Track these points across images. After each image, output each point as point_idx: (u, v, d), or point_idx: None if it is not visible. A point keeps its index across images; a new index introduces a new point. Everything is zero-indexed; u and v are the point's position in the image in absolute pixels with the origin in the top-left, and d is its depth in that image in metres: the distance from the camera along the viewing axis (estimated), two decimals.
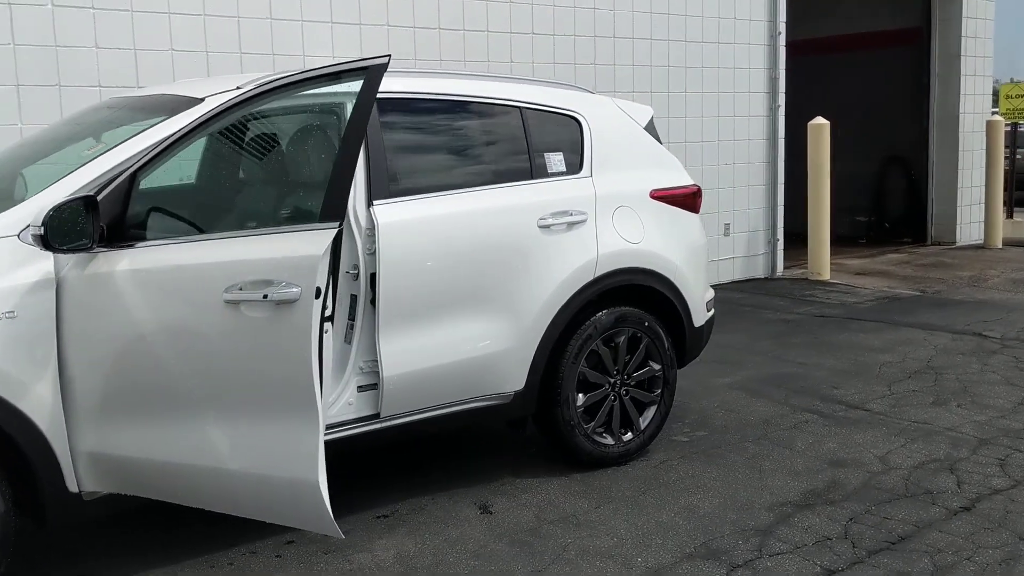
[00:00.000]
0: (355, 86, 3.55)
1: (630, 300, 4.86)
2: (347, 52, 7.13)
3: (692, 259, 5.07)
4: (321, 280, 3.28)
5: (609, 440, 4.79)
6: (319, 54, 7.01)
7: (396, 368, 4.08)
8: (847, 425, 5.38)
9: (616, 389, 4.79)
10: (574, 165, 4.75)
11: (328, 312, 3.54)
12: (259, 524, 3.78)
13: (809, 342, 7.29)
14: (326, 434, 3.96)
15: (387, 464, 4.84)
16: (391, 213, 4.08)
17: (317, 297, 3.25)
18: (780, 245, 10.23)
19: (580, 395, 4.68)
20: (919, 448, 5.00)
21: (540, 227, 4.48)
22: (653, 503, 4.36)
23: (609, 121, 4.95)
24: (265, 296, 3.29)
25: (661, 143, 5.20)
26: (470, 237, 4.28)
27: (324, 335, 3.55)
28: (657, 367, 4.92)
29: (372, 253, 4.03)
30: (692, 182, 5.22)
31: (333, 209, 3.36)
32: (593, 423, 4.73)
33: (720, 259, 9.73)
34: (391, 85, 4.26)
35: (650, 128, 5.14)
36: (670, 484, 4.58)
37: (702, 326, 5.15)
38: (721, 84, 9.53)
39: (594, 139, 4.82)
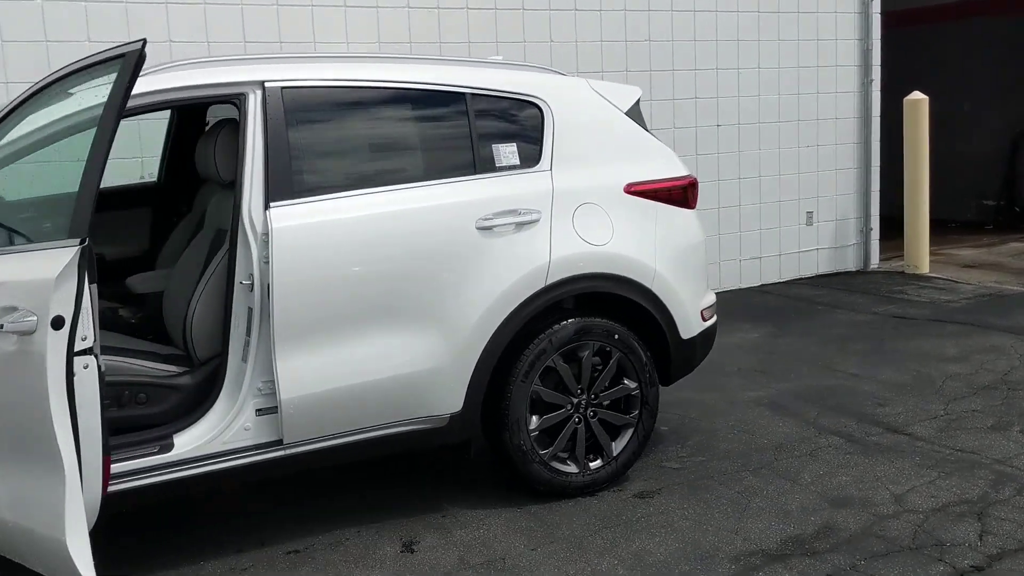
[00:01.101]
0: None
1: (602, 309, 4.28)
2: (362, 37, 6.74)
3: (680, 262, 4.43)
4: (61, 308, 2.85)
5: (572, 468, 4.23)
6: (331, 40, 6.65)
7: (296, 390, 3.65)
8: (874, 453, 4.61)
9: (581, 410, 4.22)
10: (530, 157, 4.18)
11: (88, 344, 3.02)
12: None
13: (872, 348, 6.44)
14: (220, 461, 3.61)
15: (326, 486, 4.43)
16: (289, 216, 3.64)
17: (57, 328, 2.84)
18: (875, 235, 9.24)
19: (534, 417, 4.13)
20: (951, 485, 4.21)
21: (479, 229, 3.95)
22: (600, 546, 3.79)
23: (579, 107, 4.35)
24: (1, 326, 2.90)
25: (647, 129, 4.55)
26: (388, 241, 3.79)
27: (83, 371, 3.01)
28: (632, 385, 4.32)
29: (268, 261, 3.61)
30: (684, 173, 4.56)
31: (77, 224, 2.94)
32: (551, 449, 4.18)
33: (801, 251, 8.87)
34: (301, 73, 3.82)
35: (634, 113, 4.51)
36: (632, 523, 3.98)
37: (694, 338, 4.49)
38: (802, 58, 8.64)
39: (557, 127, 4.23)
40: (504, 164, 4.12)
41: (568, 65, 7.43)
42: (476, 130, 4.08)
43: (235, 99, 3.71)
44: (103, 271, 4.69)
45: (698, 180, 4.70)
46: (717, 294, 4.87)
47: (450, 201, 3.94)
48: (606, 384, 4.26)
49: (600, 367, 4.24)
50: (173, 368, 3.83)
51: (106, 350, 3.87)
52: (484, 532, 3.94)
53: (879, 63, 8.99)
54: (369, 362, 3.76)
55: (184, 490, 3.64)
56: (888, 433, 4.87)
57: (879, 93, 9.04)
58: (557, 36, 7.48)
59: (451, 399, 3.94)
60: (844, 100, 8.94)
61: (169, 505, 4.17)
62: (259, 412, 3.67)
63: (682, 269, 4.44)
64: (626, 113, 4.47)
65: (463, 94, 4.09)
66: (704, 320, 4.59)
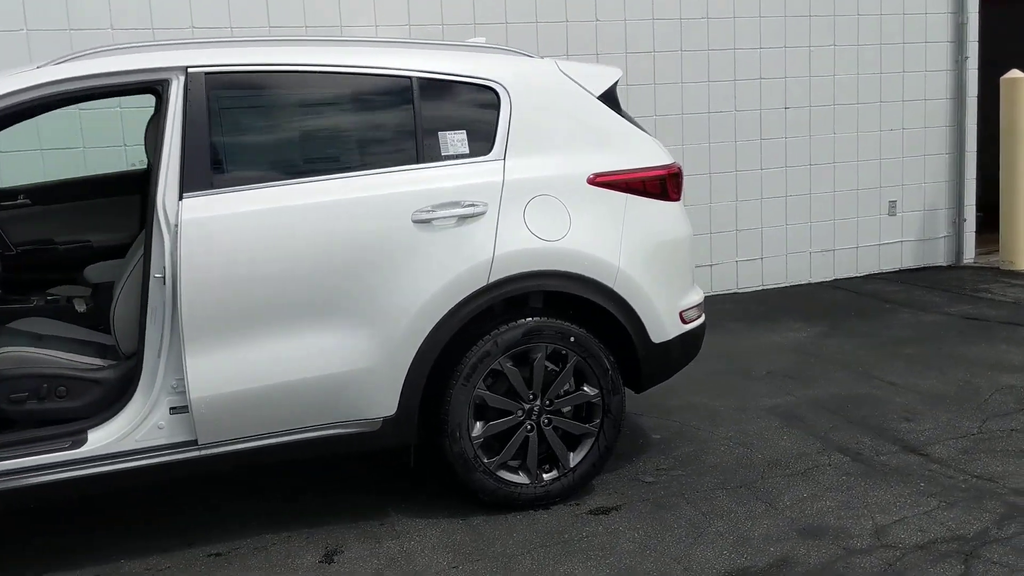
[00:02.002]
0: None
1: (568, 309, 3.99)
2: (392, 20, 6.56)
3: (653, 259, 4.07)
4: None
5: (522, 479, 3.95)
6: (358, 23, 6.50)
7: (207, 389, 3.50)
8: (876, 475, 4.14)
9: (535, 417, 3.93)
10: (482, 146, 3.90)
11: None
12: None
13: (926, 353, 5.85)
14: (131, 459, 3.52)
15: (277, 488, 4.29)
16: (202, 208, 3.49)
17: None
18: (969, 226, 8.47)
19: (478, 423, 3.88)
20: (949, 518, 3.72)
21: (416, 222, 3.71)
22: (526, 568, 3.50)
23: (542, 91, 4.04)
24: None
25: (623, 113, 4.19)
26: (310, 235, 3.59)
27: None
28: (592, 392, 4.00)
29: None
30: (666, 163, 4.19)
31: None
32: (498, 457, 3.91)
33: (882, 243, 8.21)
34: (228, 57, 3.66)
35: (607, 97, 4.16)
36: (572, 542, 3.68)
37: (668, 342, 4.12)
38: (885, 34, 7.96)
39: (515, 113, 3.94)
40: (451, 153, 3.86)
41: (615, 44, 7.08)
42: (422, 117, 3.83)
43: (158, 86, 3.59)
44: (90, 258, 4.78)
45: (682, 170, 4.34)
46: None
47: (383, 192, 3.71)
48: (562, 390, 3.96)
49: (557, 371, 3.94)
50: (98, 361, 3.76)
51: (39, 340, 3.86)
52: (413, 544, 3.71)
53: (976, 39, 8.20)
54: (291, 361, 3.59)
55: (95, 487, 3.56)
56: (902, 452, 4.38)
57: (975, 72, 8.24)
58: (632, 13, 7.11)
59: (384, 402, 3.72)
60: (934, 79, 8.19)
61: (100, 501, 4.13)
62: (173, 410, 3.55)
63: (655, 267, 4.08)
64: (599, 97, 4.13)
65: (410, 79, 3.85)
66: (685, 322, 4.21)
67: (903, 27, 8.01)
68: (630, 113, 4.46)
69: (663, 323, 4.09)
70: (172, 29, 6.12)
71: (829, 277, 8.05)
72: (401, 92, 3.84)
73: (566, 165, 3.97)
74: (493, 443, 3.92)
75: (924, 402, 5.01)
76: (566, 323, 3.93)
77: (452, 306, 3.73)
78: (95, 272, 4.37)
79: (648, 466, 4.35)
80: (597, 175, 3.99)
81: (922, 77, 8.15)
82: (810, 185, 7.91)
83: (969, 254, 8.51)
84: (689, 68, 7.38)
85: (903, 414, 4.85)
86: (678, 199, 4.22)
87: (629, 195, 4.05)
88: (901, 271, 8.27)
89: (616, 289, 3.96)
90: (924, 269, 8.35)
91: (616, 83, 4.23)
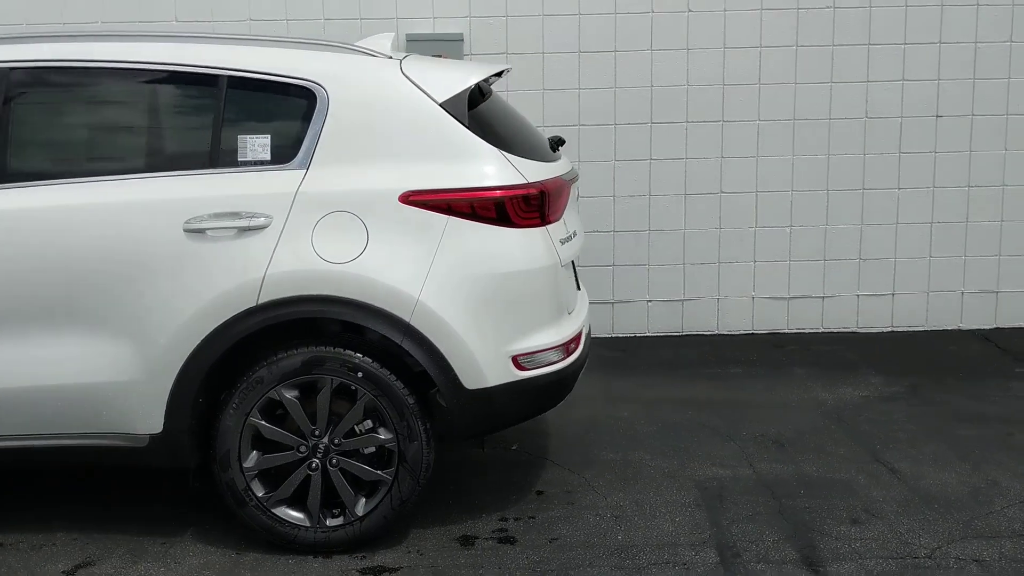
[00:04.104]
0: None
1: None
2: (451, 12, 6.26)
3: (474, 293, 3.53)
4: None
5: (301, 520, 3.60)
6: (418, 15, 6.27)
7: None
8: None
9: (323, 456, 3.56)
10: (286, 152, 3.57)
11: None
12: None
13: (989, 437, 4.60)
14: None
15: (82, 491, 4.20)
16: None
17: None
18: None
19: (254, 453, 3.58)
20: None
21: (188, 231, 3.48)
22: None
23: (368, 94, 3.62)
24: None
25: (465, 123, 3.62)
26: (69, 238, 3.48)
27: None
28: (386, 436, 3.55)
29: None
30: (507, 183, 3.59)
31: None
32: (275, 493, 3.59)
33: None
34: (9, 53, 3.62)
35: (454, 104, 3.62)
36: None
37: (491, 389, 3.55)
38: None
39: (330, 118, 3.56)
40: (250, 159, 3.58)
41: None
42: (225, 119, 3.59)
43: None
44: None
45: (544, 190, 3.66)
46: (899, 332, 3.69)
47: (155, 197, 3.52)
48: (353, 428, 3.55)
49: (340, 409, 3.54)
50: None
51: None
52: (168, 571, 3.51)
53: None
54: (42, 366, 3.52)
55: None
56: (794, 565, 3.45)
57: None
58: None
59: (149, 418, 3.55)
60: None
61: None
62: None
63: (477, 303, 3.53)
64: (444, 103, 3.61)
65: (218, 77, 3.61)
66: (521, 368, 3.60)
67: None
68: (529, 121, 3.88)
69: (479, 367, 3.53)
70: (157, 22, 6.17)
71: (987, 324, 6.59)
72: (206, 90, 3.62)
73: (379, 179, 3.53)
74: (277, 477, 3.61)
75: (907, 501, 3.93)
76: (355, 355, 3.50)
77: (218, 325, 3.47)
78: None
79: (481, 527, 3.79)
80: (412, 193, 3.51)
81: None
82: (967, 211, 6.51)
83: None
84: (806, 65, 6.34)
85: (858, 513, 3.84)
86: (524, 225, 3.60)
87: (452, 218, 3.52)
88: None
89: (413, 324, 3.47)
90: None
91: (470, 88, 3.67)
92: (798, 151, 6.42)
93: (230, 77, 3.61)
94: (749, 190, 6.45)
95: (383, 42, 4.19)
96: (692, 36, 6.31)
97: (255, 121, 3.62)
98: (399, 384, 3.52)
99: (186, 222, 3.48)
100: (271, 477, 3.62)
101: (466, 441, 3.92)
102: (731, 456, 4.44)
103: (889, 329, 6.56)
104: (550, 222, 3.73)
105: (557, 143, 4.31)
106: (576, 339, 3.86)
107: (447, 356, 3.50)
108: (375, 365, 3.51)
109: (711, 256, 6.52)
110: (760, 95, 6.36)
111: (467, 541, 3.69)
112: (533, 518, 3.87)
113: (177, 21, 6.25)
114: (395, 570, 3.49)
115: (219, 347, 3.49)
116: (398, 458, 3.56)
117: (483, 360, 3.53)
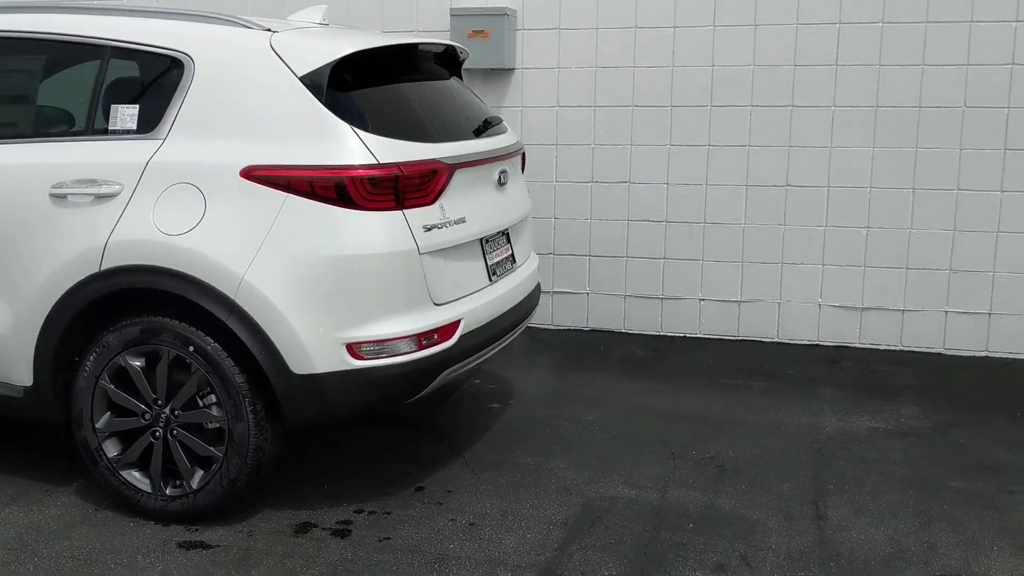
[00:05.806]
0: None
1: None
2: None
3: (307, 274, 3.39)
4: None
5: (144, 486, 3.65)
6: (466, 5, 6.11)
7: None
8: None
9: (165, 426, 3.59)
10: (151, 122, 3.60)
11: None
12: None
13: (982, 494, 3.84)
14: None
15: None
16: None
17: None
18: None
19: (107, 415, 3.66)
20: None
21: (52, 196, 3.60)
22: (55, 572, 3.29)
23: (231, 66, 3.57)
24: None
25: (322, 99, 3.46)
26: None
27: None
28: (216, 413, 3.50)
29: None
30: (353, 163, 3.40)
31: None
32: (123, 456, 3.66)
33: None
34: None
35: (314, 78, 3.47)
36: (120, 566, 3.32)
37: (320, 376, 3.41)
38: None
39: (194, 89, 3.55)
40: (118, 128, 3.64)
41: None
42: (103, 88, 3.68)
43: None
44: None
45: (405, 173, 3.45)
46: (992, 357, 3.46)
47: (28, 161, 3.68)
48: (187, 403, 3.54)
49: (177, 380, 3.54)
50: None
51: None
52: (24, 514, 3.68)
53: None
54: None
55: None
56: None
57: None
58: None
59: (21, 371, 3.73)
60: None
61: None
62: None
63: (309, 284, 3.39)
64: (304, 76, 3.48)
65: (100, 47, 3.70)
66: (357, 358, 3.43)
67: None
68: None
69: (307, 352, 3.40)
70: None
71: None
72: (88, 60, 3.73)
73: (225, 153, 3.48)
74: (122, 440, 3.69)
75: (801, 554, 3.37)
76: (188, 328, 3.48)
77: (68, 288, 3.58)
78: None
79: (328, 517, 3.66)
80: (254, 168, 3.43)
81: None
82: None
83: None
84: (892, 44, 5.54)
85: (731, 560, 3.33)
86: (378, 208, 3.41)
87: (290, 196, 3.40)
88: None
89: (238, 301, 3.39)
90: None
91: (334, 63, 3.50)
92: (880, 142, 5.65)
93: (110, 47, 3.69)
94: (820, 184, 5.76)
95: (314, 14, 4.12)
96: (760, 10, 5.71)
97: (131, 91, 3.67)
98: (229, 362, 3.46)
99: (52, 187, 3.60)
100: (128, 440, 3.69)
101: (306, 430, 3.78)
102: (653, 477, 4.01)
103: (983, 354, 5.65)
104: (412, 206, 3.51)
105: (486, 124, 4.05)
106: (444, 331, 3.62)
107: (273, 338, 3.39)
108: (207, 340, 3.47)
109: (773, 255, 5.90)
110: (837, 77, 5.64)
111: (303, 529, 3.58)
112: (388, 514, 3.69)
113: None
114: (211, 547, 3.45)
115: (70, 309, 3.59)
116: (226, 437, 3.51)
117: (310, 344, 3.39)
